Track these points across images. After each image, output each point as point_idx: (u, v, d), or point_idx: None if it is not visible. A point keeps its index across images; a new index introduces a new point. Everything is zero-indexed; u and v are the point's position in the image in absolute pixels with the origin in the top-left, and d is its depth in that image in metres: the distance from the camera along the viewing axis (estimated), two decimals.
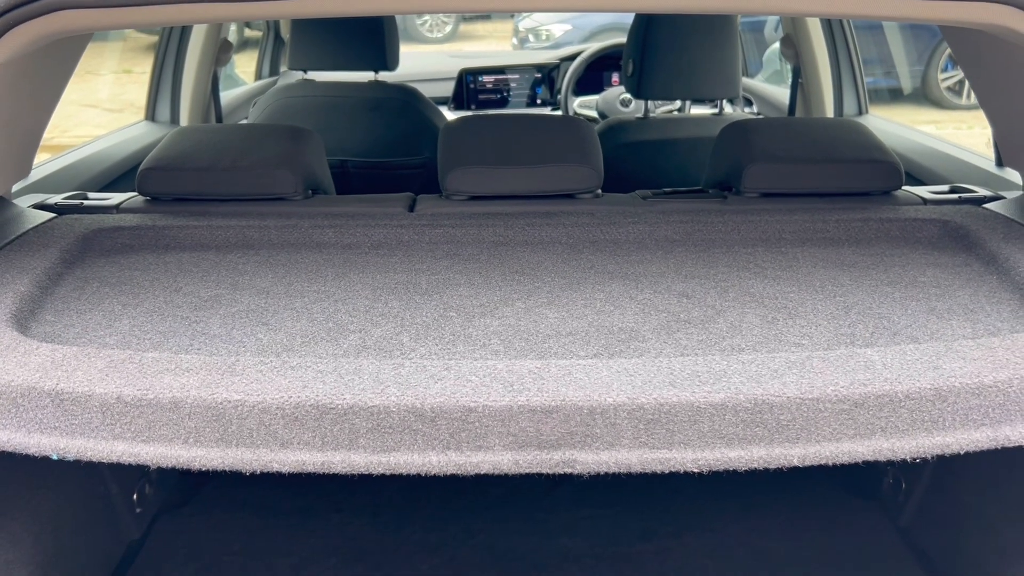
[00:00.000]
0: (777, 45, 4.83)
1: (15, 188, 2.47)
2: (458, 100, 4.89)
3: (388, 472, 1.42)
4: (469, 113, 4.74)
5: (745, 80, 4.82)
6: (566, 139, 2.37)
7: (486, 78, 4.92)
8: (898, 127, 3.68)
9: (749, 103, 4.65)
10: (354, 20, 3.74)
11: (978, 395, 1.44)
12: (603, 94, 4.58)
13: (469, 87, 4.90)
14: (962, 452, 1.45)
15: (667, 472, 1.43)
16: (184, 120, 3.91)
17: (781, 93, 4.46)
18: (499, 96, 4.93)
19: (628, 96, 4.40)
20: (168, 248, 2.07)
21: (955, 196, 2.32)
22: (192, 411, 1.41)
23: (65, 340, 1.62)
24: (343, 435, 1.41)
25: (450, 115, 4.40)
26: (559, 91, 4.86)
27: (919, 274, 1.91)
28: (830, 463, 1.43)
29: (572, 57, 4.90)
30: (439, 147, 2.38)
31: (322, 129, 3.58)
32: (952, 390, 1.44)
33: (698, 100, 4.11)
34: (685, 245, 2.08)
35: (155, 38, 3.98)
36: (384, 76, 3.98)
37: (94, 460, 1.44)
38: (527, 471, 1.43)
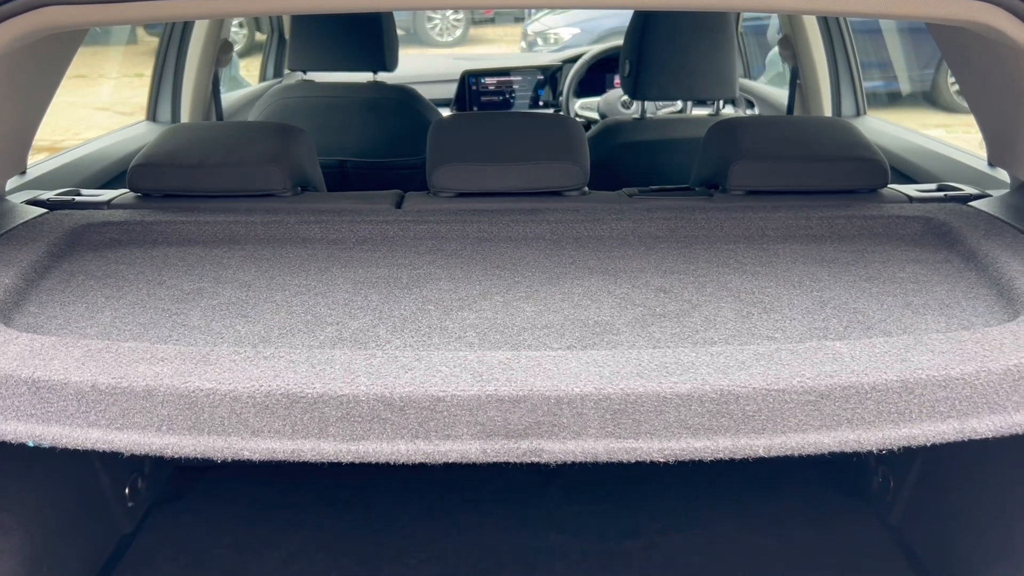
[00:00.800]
0: None
1: (14, 185, 2.51)
2: (460, 102, 4.88)
3: (357, 460, 1.44)
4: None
5: (747, 82, 4.81)
6: (553, 137, 2.38)
7: (488, 80, 4.91)
8: (895, 128, 3.67)
9: (751, 105, 4.65)
10: (353, 21, 3.75)
11: (945, 387, 1.44)
12: (604, 96, 4.58)
13: (471, 89, 4.89)
14: (928, 444, 1.45)
15: (635, 462, 1.45)
16: (185, 120, 3.93)
17: (783, 95, 4.44)
18: (501, 98, 4.92)
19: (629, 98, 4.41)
20: (155, 243, 2.09)
21: (941, 194, 2.32)
22: (165, 399, 1.43)
23: (46, 331, 1.64)
24: (313, 424, 1.43)
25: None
26: (561, 93, 4.86)
27: (898, 270, 1.91)
28: (796, 454, 1.44)
29: (574, 59, 4.89)
30: (428, 144, 2.39)
31: (321, 129, 3.60)
32: (919, 382, 1.44)
33: (700, 101, 4.11)
34: (667, 242, 2.09)
35: None
36: (387, 78, 4.00)
37: (69, 447, 1.46)
38: (494, 460, 1.44)
